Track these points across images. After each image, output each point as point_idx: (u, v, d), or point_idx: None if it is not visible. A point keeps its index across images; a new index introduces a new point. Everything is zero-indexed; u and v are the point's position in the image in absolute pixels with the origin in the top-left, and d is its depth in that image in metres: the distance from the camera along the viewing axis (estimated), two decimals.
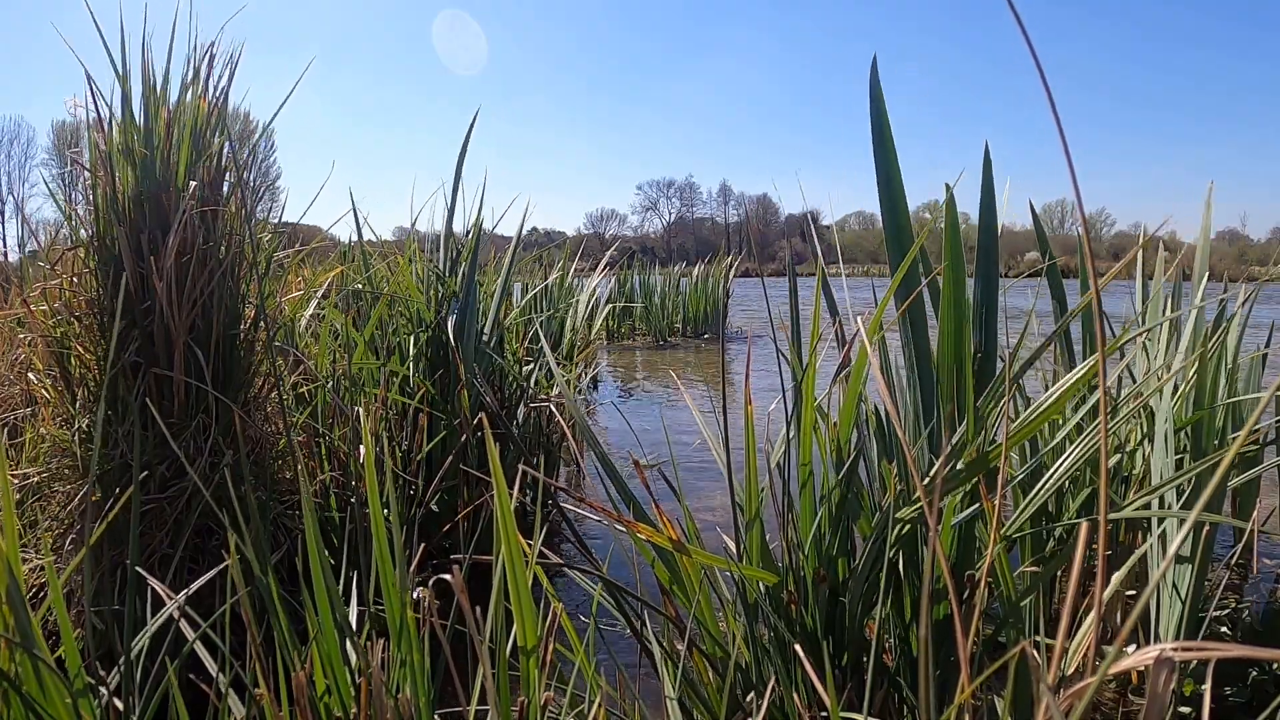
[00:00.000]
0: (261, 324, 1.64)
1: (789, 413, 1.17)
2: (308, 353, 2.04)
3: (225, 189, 1.61)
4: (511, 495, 0.76)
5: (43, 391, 1.61)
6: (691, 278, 9.36)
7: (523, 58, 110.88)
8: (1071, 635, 1.06)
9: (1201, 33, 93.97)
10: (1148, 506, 1.17)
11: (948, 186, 1.14)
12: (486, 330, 2.32)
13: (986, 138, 1.13)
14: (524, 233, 2.66)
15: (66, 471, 1.53)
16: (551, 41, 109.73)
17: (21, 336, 1.75)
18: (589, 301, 3.96)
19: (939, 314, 1.09)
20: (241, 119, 1.91)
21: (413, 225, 2.52)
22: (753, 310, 11.94)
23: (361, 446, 1.45)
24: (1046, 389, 1.18)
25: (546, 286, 3.88)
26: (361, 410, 1.48)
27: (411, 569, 0.87)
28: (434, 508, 2.02)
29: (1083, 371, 0.97)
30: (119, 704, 0.80)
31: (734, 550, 1.23)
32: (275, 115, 1.75)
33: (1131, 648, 0.82)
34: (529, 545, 0.81)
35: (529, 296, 3.57)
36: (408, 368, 2.12)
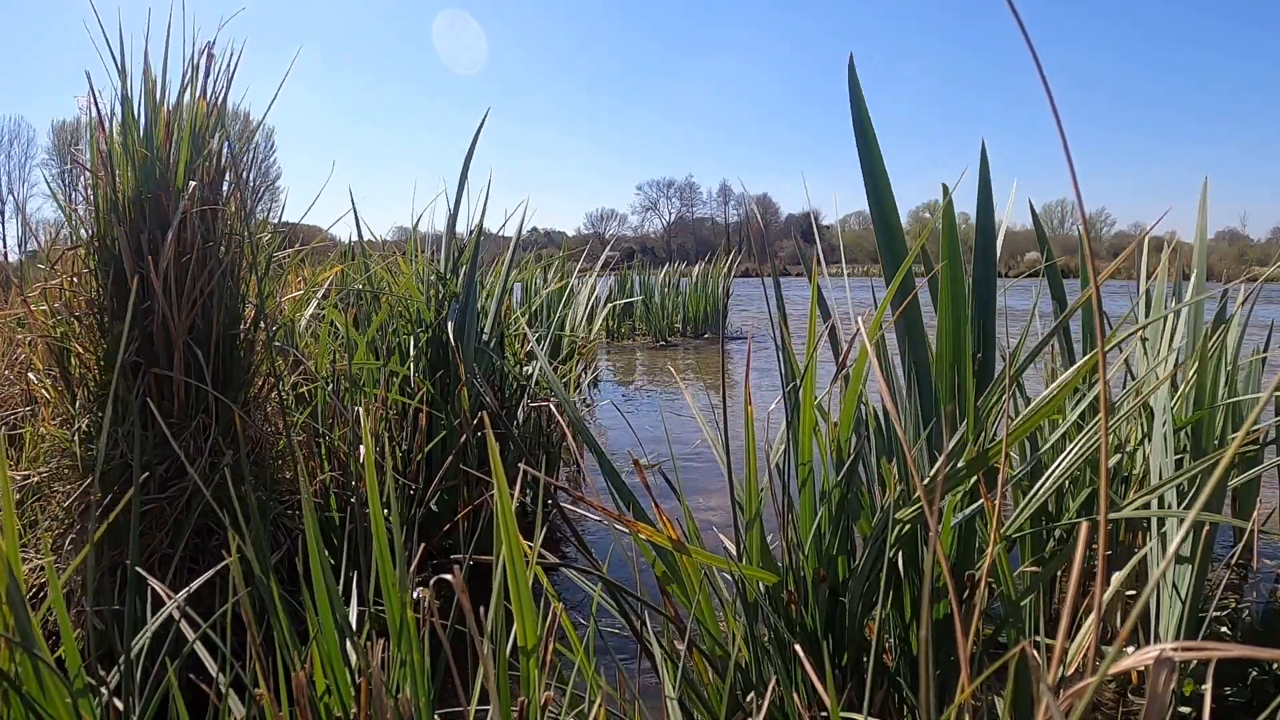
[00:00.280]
0: (261, 324, 1.64)
1: (788, 412, 1.17)
2: (308, 353, 2.04)
3: (225, 189, 1.61)
4: (512, 495, 0.76)
5: (43, 391, 1.61)
6: (691, 278, 9.36)
7: (523, 57, 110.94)
8: (1071, 635, 1.06)
9: (1201, 32, 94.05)
10: (1148, 506, 1.17)
11: (945, 187, 1.14)
12: (486, 330, 2.33)
13: (986, 137, 1.13)
14: (524, 233, 2.66)
15: (66, 471, 1.53)
16: (551, 41, 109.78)
17: (21, 336, 1.75)
18: (588, 301, 3.96)
19: (937, 313, 1.09)
20: (241, 119, 1.91)
21: (414, 226, 2.52)
22: (753, 310, 11.94)
23: (361, 446, 1.45)
24: (1047, 389, 1.18)
25: (544, 298, 3.85)
26: (361, 410, 1.48)
27: (411, 569, 0.87)
28: (434, 508, 2.02)
29: (1082, 365, 0.98)
30: (119, 704, 0.80)
31: (734, 550, 1.23)
32: (268, 110, 1.76)
33: (1131, 648, 0.82)
34: (529, 545, 0.81)
35: (534, 304, 3.55)
36: (408, 368, 2.12)
